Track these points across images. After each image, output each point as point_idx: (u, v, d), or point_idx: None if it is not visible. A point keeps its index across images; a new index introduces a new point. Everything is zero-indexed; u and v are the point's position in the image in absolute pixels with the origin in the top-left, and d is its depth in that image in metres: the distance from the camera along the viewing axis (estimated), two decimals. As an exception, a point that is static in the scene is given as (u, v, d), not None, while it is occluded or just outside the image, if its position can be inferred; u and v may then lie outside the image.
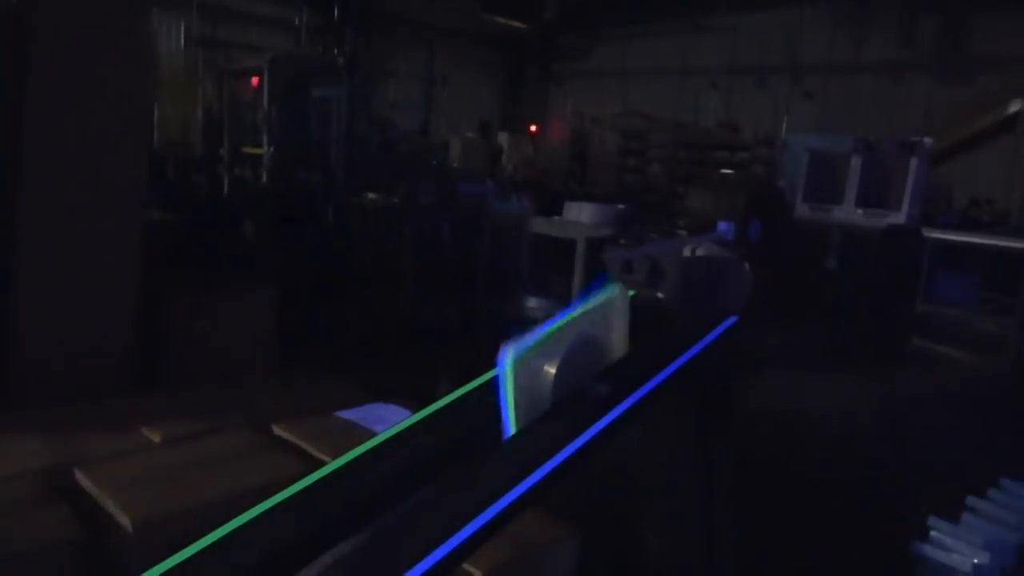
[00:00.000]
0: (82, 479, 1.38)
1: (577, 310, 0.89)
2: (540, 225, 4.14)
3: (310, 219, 4.39)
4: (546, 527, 1.53)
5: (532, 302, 4.37)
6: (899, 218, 4.81)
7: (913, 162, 4.83)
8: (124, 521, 1.25)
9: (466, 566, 1.38)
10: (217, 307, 2.15)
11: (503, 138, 9.68)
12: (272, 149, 5.53)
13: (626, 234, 4.16)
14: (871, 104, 7.33)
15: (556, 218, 4.17)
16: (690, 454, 1.43)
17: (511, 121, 10.93)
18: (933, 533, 1.85)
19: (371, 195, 4.88)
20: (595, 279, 0.96)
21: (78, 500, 1.34)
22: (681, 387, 1.30)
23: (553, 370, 0.86)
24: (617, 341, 0.96)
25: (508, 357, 0.87)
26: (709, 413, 1.39)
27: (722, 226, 4.98)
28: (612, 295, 0.93)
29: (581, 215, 4.11)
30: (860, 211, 5.01)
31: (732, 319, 1.26)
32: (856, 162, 5.08)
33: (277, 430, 1.65)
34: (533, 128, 10.54)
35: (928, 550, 1.83)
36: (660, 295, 1.37)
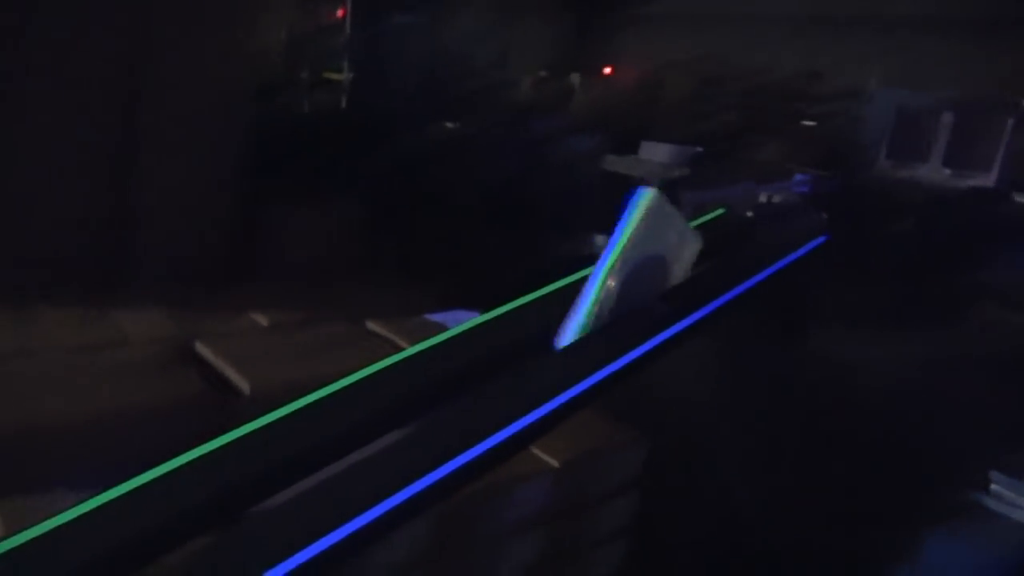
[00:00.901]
0: (202, 350, 1.53)
1: (627, 225, 0.95)
2: (613, 163, 4.15)
3: (387, 144, 4.48)
4: (614, 433, 1.63)
5: (599, 239, 4.41)
6: (988, 180, 4.65)
7: (1009, 123, 4.64)
8: (243, 386, 1.39)
9: (544, 456, 1.48)
10: (312, 214, 2.28)
11: (574, 79, 9.57)
12: (352, 75, 5.62)
13: (701, 177, 4.14)
14: (965, 60, 6.98)
15: (630, 157, 4.17)
16: (761, 367, 1.50)
17: (583, 63, 10.76)
18: (994, 487, 1.88)
19: (448, 124, 4.95)
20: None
21: (199, 368, 1.49)
22: (764, 299, 1.36)
23: (615, 285, 0.91)
24: (681, 242, 1.00)
25: (599, 272, 0.92)
26: (787, 328, 1.45)
27: (798, 178, 4.89)
28: (651, 200, 0.96)
29: (656, 155, 4.11)
30: (947, 171, 4.85)
31: (822, 238, 1.31)
32: (947, 119, 4.90)
33: (370, 325, 1.78)
34: (607, 71, 10.37)
35: (989, 502, 1.86)
36: (750, 214, 1.42)
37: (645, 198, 0.98)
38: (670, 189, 3.94)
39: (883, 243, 5.34)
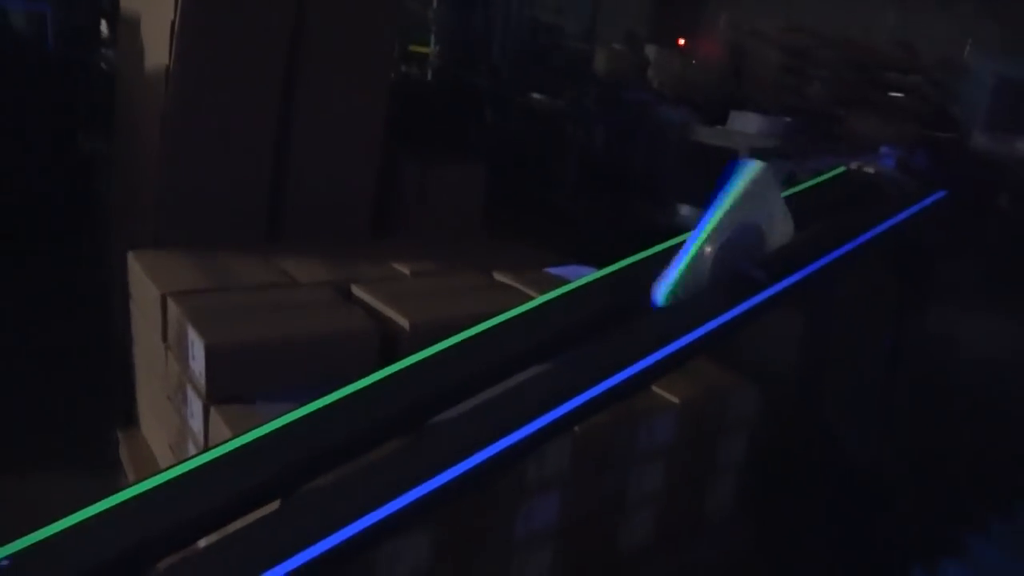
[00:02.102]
0: (359, 293, 1.72)
1: (729, 194, 0.94)
2: (702, 133, 4.20)
3: (472, 116, 4.62)
4: (730, 377, 1.76)
5: (685, 210, 4.47)
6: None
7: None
8: (402, 323, 1.57)
9: (665, 394, 1.63)
10: (439, 174, 2.47)
11: (650, 51, 9.49)
12: (438, 48, 5.77)
13: (791, 148, 4.16)
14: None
15: (720, 127, 4.21)
16: (881, 322, 1.60)
17: (660, 33, 10.64)
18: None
19: (536, 96, 5.07)
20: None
21: (361, 307, 1.68)
22: (883, 256, 1.46)
23: (712, 251, 0.92)
24: (777, 220, 0.99)
25: (695, 238, 0.92)
26: (907, 285, 1.54)
27: (886, 151, 4.82)
28: (757, 172, 0.95)
29: (746, 126, 4.14)
30: (1047, 144, 4.71)
31: (940, 193, 1.39)
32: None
33: (497, 276, 1.94)
34: (681, 42, 10.24)
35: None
36: (871, 170, 1.51)
37: (752, 169, 0.98)
38: (759, 159, 3.99)
39: (975, 218, 5.23)
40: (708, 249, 0.93)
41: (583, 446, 1.47)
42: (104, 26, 4.68)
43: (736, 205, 0.95)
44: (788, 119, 4.40)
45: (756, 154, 3.95)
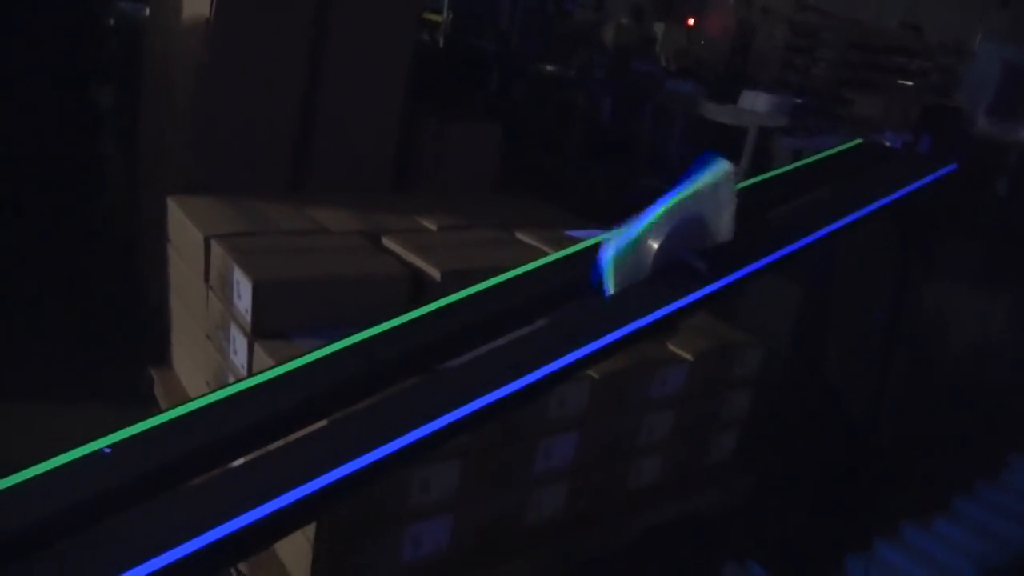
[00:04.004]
0: (389, 243, 1.80)
1: (688, 188, 0.94)
2: (711, 110, 4.26)
3: (482, 82, 4.65)
4: (738, 335, 1.85)
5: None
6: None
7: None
8: (433, 272, 1.65)
9: (678, 349, 1.72)
10: (455, 134, 2.54)
11: (658, 28, 9.48)
12: (451, 16, 5.78)
13: (799, 127, 4.23)
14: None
15: (730, 105, 4.27)
16: (884, 286, 1.69)
17: (667, 9, 10.60)
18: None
19: (545, 65, 5.11)
20: (706, 158, 0.98)
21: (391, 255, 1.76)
22: (889, 223, 1.55)
23: (656, 244, 0.93)
24: (724, 221, 0.98)
25: (614, 231, 0.93)
26: (909, 251, 1.63)
27: (888, 135, 4.90)
28: (722, 173, 0.95)
29: (756, 104, 4.20)
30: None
31: (951, 166, 1.48)
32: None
33: (519, 234, 2.02)
34: (691, 21, 10.22)
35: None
36: (887, 142, 1.59)
37: (719, 168, 0.98)
38: (768, 136, 4.06)
39: (975, 204, 5.32)
40: (652, 241, 0.94)
41: (601, 390, 1.57)
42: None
43: (690, 199, 0.96)
44: (798, 100, 4.46)
45: (766, 132, 4.03)
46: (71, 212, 2.95)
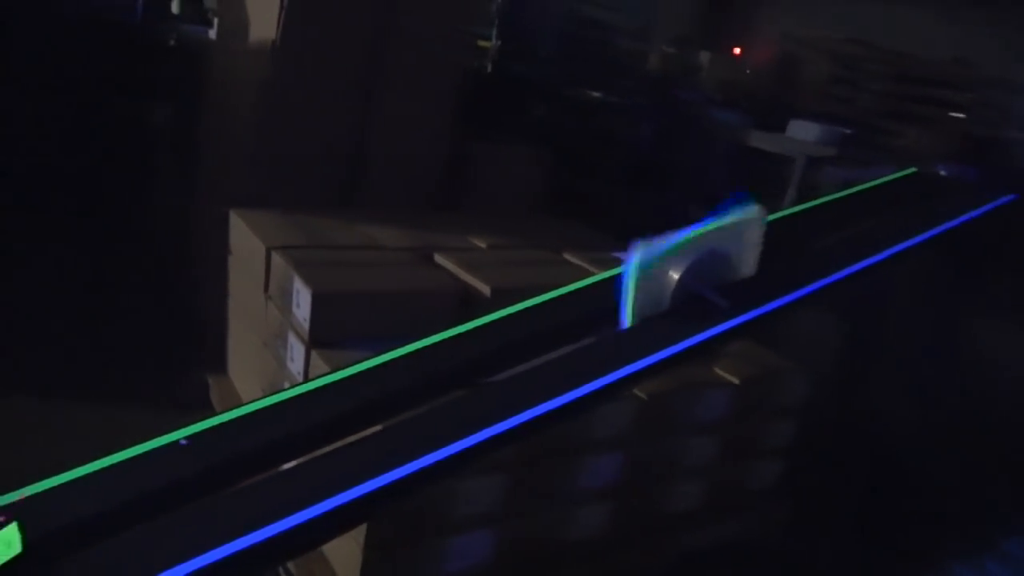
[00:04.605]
0: (441, 260, 1.84)
1: (713, 223, 0.92)
2: (758, 139, 4.27)
3: (527, 108, 4.73)
4: (783, 363, 1.85)
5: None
6: None
7: None
8: (483, 289, 1.69)
9: (725, 373, 1.73)
10: (504, 154, 2.60)
11: (703, 57, 9.51)
12: (499, 43, 5.90)
13: (848, 157, 4.21)
14: None
15: (777, 134, 4.28)
16: (936, 318, 1.68)
17: (713, 39, 10.64)
18: None
19: (589, 91, 5.18)
20: (742, 196, 0.96)
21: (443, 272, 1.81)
22: (947, 252, 1.54)
23: (676, 276, 0.90)
24: (747, 260, 0.95)
25: (635, 258, 0.90)
26: (962, 284, 1.62)
27: (942, 167, 4.83)
28: (750, 216, 0.93)
29: (804, 134, 4.20)
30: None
31: (1009, 197, 1.47)
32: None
33: (567, 255, 2.05)
34: (737, 51, 10.23)
35: None
36: (943, 172, 1.60)
37: (748, 212, 0.95)
38: (816, 166, 4.04)
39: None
40: (672, 272, 0.91)
41: (647, 411, 1.58)
42: (176, 4, 4.89)
43: (711, 234, 0.93)
44: (847, 130, 4.45)
45: (813, 162, 4.02)
46: (131, 225, 3.08)
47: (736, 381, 1.71)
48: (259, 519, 0.73)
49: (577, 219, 2.50)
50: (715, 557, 1.79)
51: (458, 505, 1.39)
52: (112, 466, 0.83)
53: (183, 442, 0.87)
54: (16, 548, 0.69)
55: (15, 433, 1.79)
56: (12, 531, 0.71)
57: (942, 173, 1.53)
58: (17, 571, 0.67)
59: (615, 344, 0.95)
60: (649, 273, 0.91)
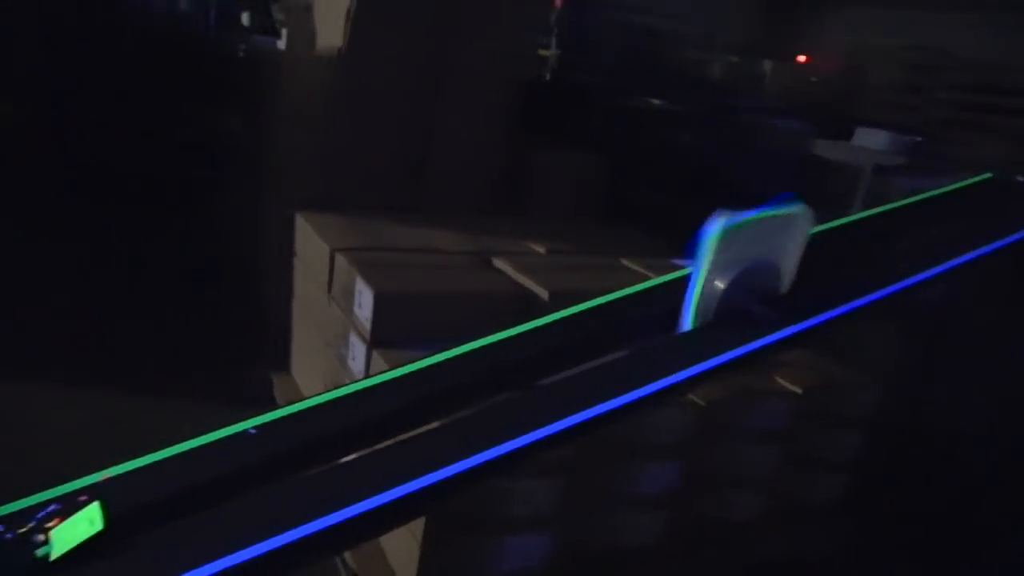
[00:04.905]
0: (500, 264, 1.86)
1: (761, 219, 0.89)
2: (824, 147, 4.17)
3: (586, 117, 4.72)
4: (850, 373, 1.80)
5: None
6: None
7: None
8: (541, 293, 1.70)
9: (786, 382, 1.69)
10: (562, 161, 2.61)
11: (766, 65, 9.35)
12: (558, 52, 5.92)
13: (917, 166, 4.08)
14: None
15: (843, 142, 4.18)
16: (1003, 326, 1.61)
17: (776, 46, 10.45)
18: None
19: (650, 99, 5.15)
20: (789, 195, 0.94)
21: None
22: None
23: (722, 286, 0.88)
24: (790, 263, 0.94)
25: (698, 262, 0.89)
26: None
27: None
28: (798, 215, 0.91)
29: (872, 141, 4.09)
30: None
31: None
32: None
33: (625, 261, 2.04)
34: (802, 58, 10.03)
35: None
36: (1021, 178, 1.53)
37: (800, 213, 0.93)
38: (882, 174, 3.93)
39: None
40: (718, 282, 0.89)
41: (706, 418, 1.56)
42: (245, 16, 5.07)
43: (760, 238, 0.91)
44: (918, 138, 4.31)
45: (881, 171, 3.91)
46: (203, 227, 3.20)
47: (798, 390, 1.68)
48: (320, 507, 0.75)
49: (636, 226, 2.49)
50: (775, 571, 1.75)
51: (515, 505, 1.40)
52: (185, 452, 0.86)
53: (252, 431, 0.91)
54: (98, 525, 0.72)
55: (94, 422, 1.88)
56: (95, 509, 0.74)
57: (1021, 179, 1.47)
58: (99, 545, 0.71)
59: (659, 353, 0.94)
60: (699, 281, 0.89)
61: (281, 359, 2.11)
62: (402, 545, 1.39)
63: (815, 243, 0.98)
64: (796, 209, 0.93)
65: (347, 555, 1.50)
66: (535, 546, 1.45)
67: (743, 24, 9.55)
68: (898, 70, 7.62)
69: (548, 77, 5.64)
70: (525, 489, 1.40)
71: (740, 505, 1.72)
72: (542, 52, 5.76)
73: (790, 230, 0.93)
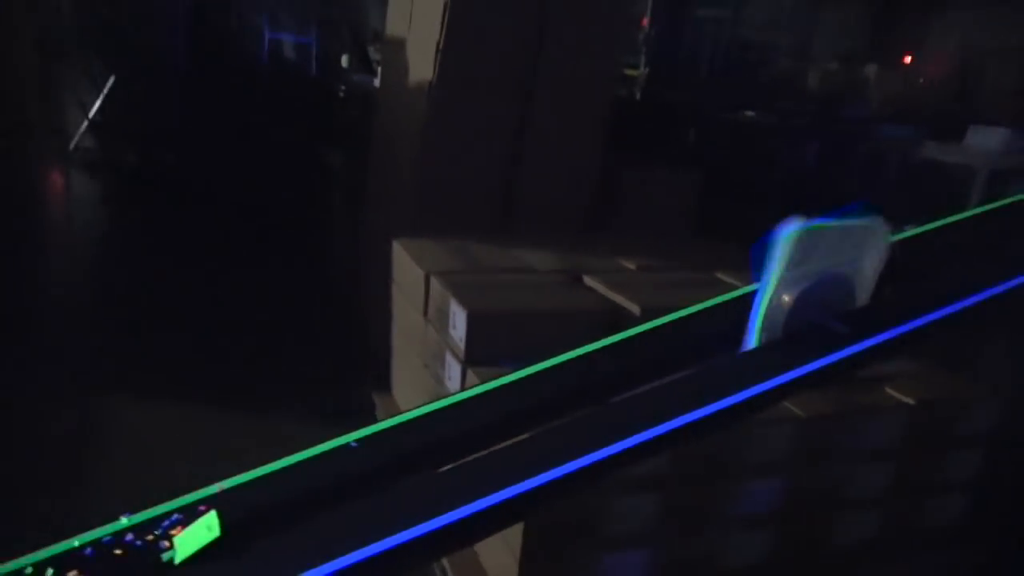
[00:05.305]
0: (590, 282, 1.87)
1: (835, 227, 0.83)
2: (934, 149, 3.96)
3: (679, 132, 4.67)
4: (970, 386, 1.70)
5: (907, 228, 4.21)
6: None
7: None
8: (633, 308, 1.70)
9: (899, 395, 1.61)
10: (653, 178, 2.61)
11: (869, 70, 8.97)
12: (648, 70, 5.90)
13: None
14: None
15: (954, 144, 3.95)
16: None
17: (880, 52, 10.02)
18: None
19: (745, 112, 5.05)
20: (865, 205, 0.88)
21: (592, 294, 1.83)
22: None
23: (789, 300, 0.83)
24: (866, 277, 0.88)
25: (767, 275, 0.82)
26: None
27: None
28: (875, 225, 0.85)
29: (987, 141, 3.85)
30: None
31: None
32: None
33: (719, 275, 2.01)
34: (907, 60, 9.57)
35: None
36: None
37: (877, 226, 0.87)
38: (1000, 179, 3.69)
39: None
40: (786, 297, 0.85)
41: (808, 434, 1.51)
42: (345, 58, 5.35)
43: (831, 250, 0.86)
44: (1035, 136, 4.02)
45: (996, 174, 3.67)
46: (309, 255, 3.37)
47: (911, 402, 1.59)
48: (420, 514, 0.79)
49: (732, 242, 2.44)
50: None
51: (612, 522, 1.39)
52: (294, 464, 0.92)
53: (353, 444, 0.96)
54: (215, 532, 0.78)
55: (210, 438, 2.01)
56: (212, 517, 0.80)
57: None
58: (218, 550, 0.76)
59: (725, 371, 0.87)
60: (766, 295, 0.84)
61: (383, 380, 2.19)
62: (501, 561, 1.40)
63: (896, 251, 0.91)
64: (873, 220, 0.87)
65: (450, 571, 1.54)
66: (633, 563, 1.44)
67: (844, 31, 9.21)
68: (1014, 69, 7.16)
69: (638, 96, 5.65)
70: (623, 506, 1.39)
71: (848, 527, 1.64)
72: (630, 72, 5.78)
73: (867, 241, 0.87)
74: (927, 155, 3.95)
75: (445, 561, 1.56)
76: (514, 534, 1.36)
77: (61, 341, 2.59)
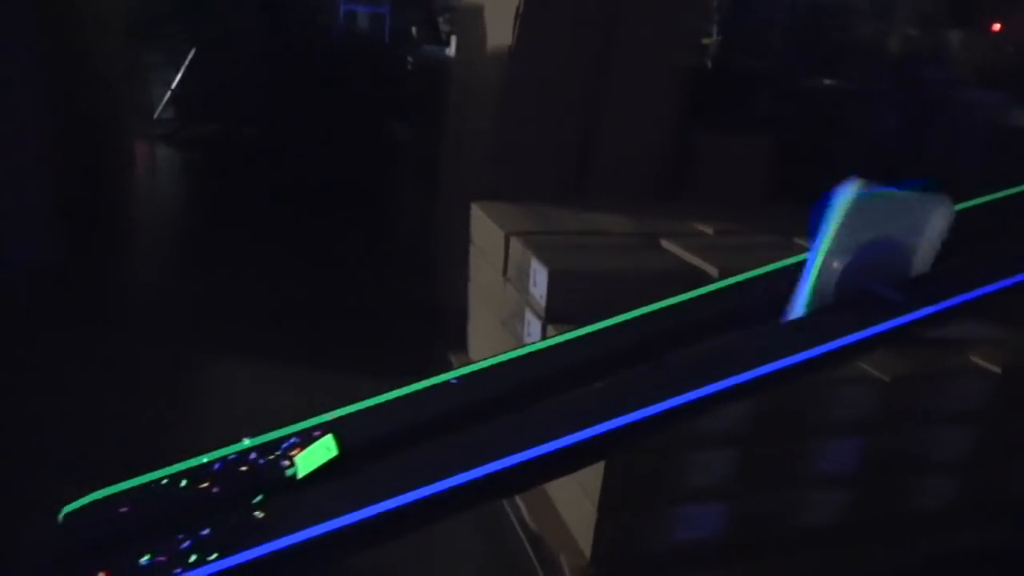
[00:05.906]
0: (668, 245, 1.89)
1: (895, 196, 0.82)
2: (1021, 117, 3.79)
3: (754, 99, 4.58)
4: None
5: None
6: None
7: None
8: (711, 270, 1.71)
9: (982, 362, 1.59)
10: (728, 145, 2.59)
11: (953, 35, 8.56)
12: (720, 38, 5.78)
13: None
14: None
15: (1046, 110, 3.77)
16: None
17: (966, 16, 9.53)
18: None
19: (823, 79, 4.91)
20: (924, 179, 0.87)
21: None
22: None
23: (839, 267, 0.81)
24: (924, 248, 0.86)
25: (818, 245, 0.81)
26: None
27: None
28: (937, 199, 0.84)
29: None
30: None
31: None
32: None
33: (798, 240, 2.00)
34: (996, 27, 9.08)
35: None
36: None
37: (938, 201, 0.85)
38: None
39: None
40: (836, 263, 0.82)
41: (891, 396, 1.50)
42: (415, 29, 5.40)
43: (894, 215, 0.84)
44: None
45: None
46: (390, 221, 3.47)
47: (997, 370, 1.57)
48: (506, 448, 0.84)
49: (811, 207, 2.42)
50: (969, 563, 1.65)
51: (692, 475, 1.42)
52: (401, 396, 0.99)
53: (454, 381, 1.02)
54: (333, 451, 0.85)
55: (289, 391, 2.11)
56: (330, 440, 0.87)
57: None
58: (337, 468, 0.83)
59: (773, 337, 0.87)
60: (816, 264, 0.83)
61: (459, 340, 2.26)
62: (580, 510, 1.46)
63: (963, 220, 0.90)
64: (935, 195, 0.86)
65: (529, 521, 1.60)
66: (710, 517, 1.47)
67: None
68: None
69: (710, 63, 5.54)
70: (702, 459, 1.42)
71: (930, 490, 1.63)
72: (704, 40, 5.67)
73: (927, 213, 0.85)
74: (1016, 120, 3.78)
75: (524, 512, 1.62)
76: (593, 484, 1.40)
77: (158, 299, 2.75)
